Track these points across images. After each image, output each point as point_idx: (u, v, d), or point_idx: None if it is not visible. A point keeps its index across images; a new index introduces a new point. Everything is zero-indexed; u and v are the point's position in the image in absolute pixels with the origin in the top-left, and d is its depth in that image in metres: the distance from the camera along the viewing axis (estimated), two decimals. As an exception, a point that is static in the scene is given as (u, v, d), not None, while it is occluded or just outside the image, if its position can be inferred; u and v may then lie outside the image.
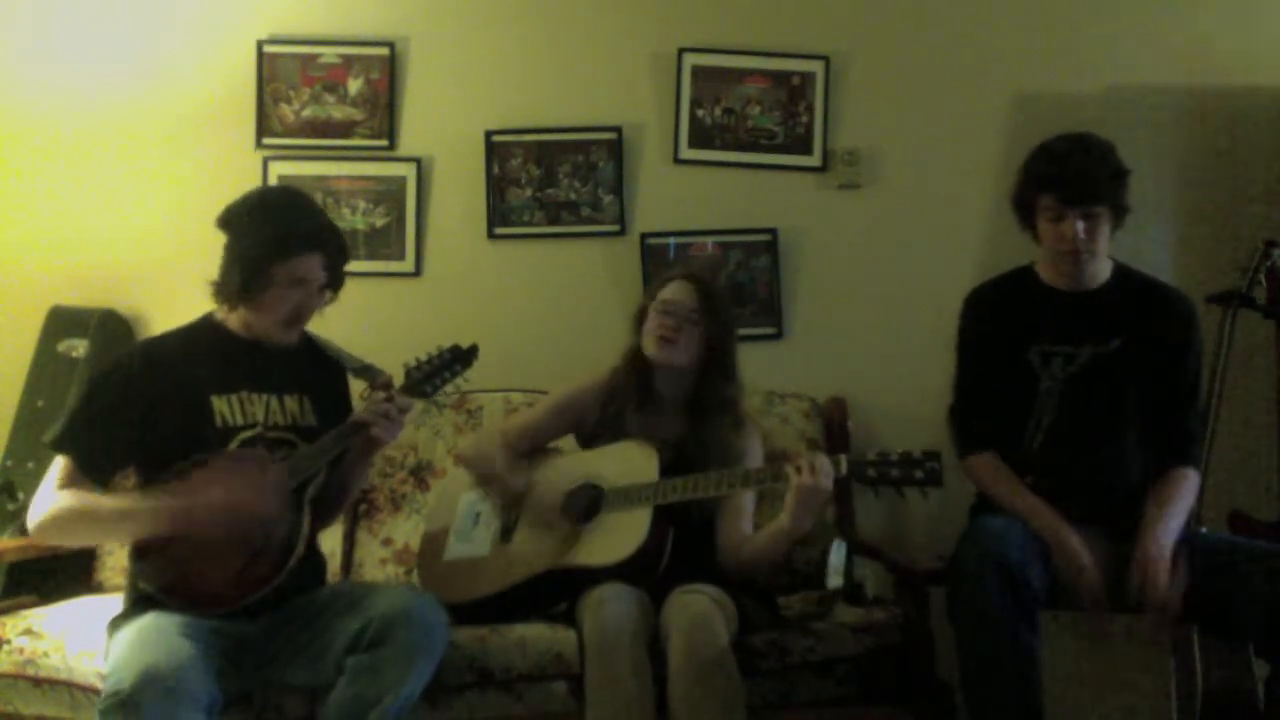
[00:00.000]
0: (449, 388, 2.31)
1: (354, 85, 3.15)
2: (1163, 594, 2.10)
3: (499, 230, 3.14)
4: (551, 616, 2.31)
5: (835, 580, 2.33)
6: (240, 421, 2.17)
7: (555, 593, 2.30)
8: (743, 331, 3.03)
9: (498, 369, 2.84)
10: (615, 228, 3.14)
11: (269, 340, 2.22)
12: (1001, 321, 2.36)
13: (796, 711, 2.24)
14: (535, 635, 2.22)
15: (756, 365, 2.97)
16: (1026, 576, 2.05)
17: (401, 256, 3.13)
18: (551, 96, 3.17)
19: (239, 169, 3.00)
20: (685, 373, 2.42)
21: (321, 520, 2.28)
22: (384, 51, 3.15)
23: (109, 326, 2.98)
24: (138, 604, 2.06)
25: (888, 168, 3.17)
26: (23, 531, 2.64)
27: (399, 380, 2.26)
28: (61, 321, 2.95)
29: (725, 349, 2.42)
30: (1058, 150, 2.27)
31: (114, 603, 2.21)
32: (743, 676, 2.07)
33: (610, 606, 2.10)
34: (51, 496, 2.05)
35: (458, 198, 3.15)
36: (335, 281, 2.24)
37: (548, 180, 3.15)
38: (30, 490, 2.69)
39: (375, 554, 2.77)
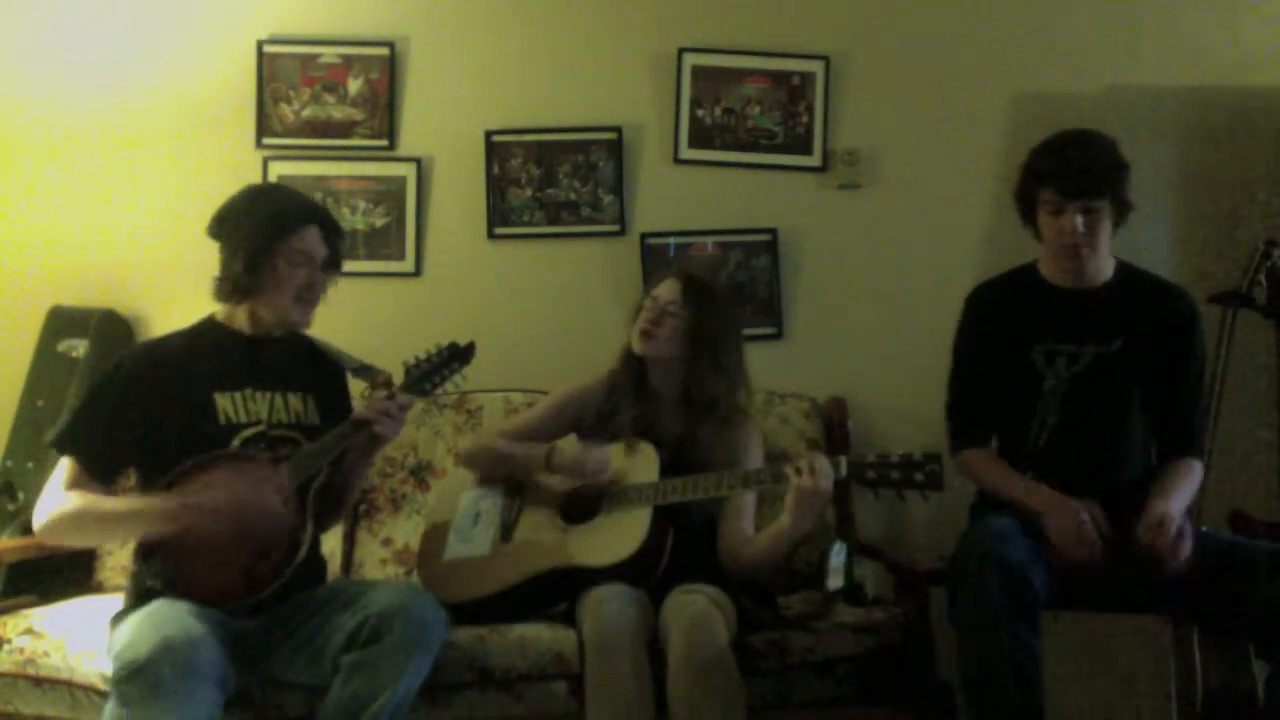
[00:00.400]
0: (448, 385, 2.32)
1: (354, 85, 3.15)
2: (1172, 547, 2.08)
3: (499, 230, 3.14)
4: (551, 616, 2.31)
5: (835, 581, 2.33)
6: (244, 419, 2.17)
7: (555, 593, 2.30)
8: (743, 331, 3.05)
9: (498, 369, 2.85)
10: (615, 228, 3.14)
11: (282, 326, 2.23)
12: (1004, 320, 2.36)
13: (796, 711, 2.24)
14: (535, 635, 2.22)
15: (756, 365, 2.95)
16: (1027, 576, 2.05)
17: (401, 256, 3.13)
18: (551, 96, 3.16)
19: (239, 169, 3.00)
20: (676, 367, 2.42)
21: (324, 520, 2.28)
22: (384, 51, 3.15)
23: (109, 326, 2.98)
24: (141, 599, 2.06)
25: (888, 168, 3.17)
26: (23, 531, 2.65)
27: (398, 379, 2.27)
28: (61, 321, 2.95)
29: (714, 341, 2.40)
30: (1058, 145, 2.28)
31: (114, 602, 2.20)
32: (743, 676, 2.07)
33: (610, 607, 2.10)
34: (57, 497, 2.06)
35: (458, 198, 3.15)
36: (335, 259, 2.26)
37: (548, 180, 3.15)
38: (30, 490, 2.70)
39: (375, 554, 2.78)
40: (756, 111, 3.17)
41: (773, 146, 3.17)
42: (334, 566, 2.59)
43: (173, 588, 2.02)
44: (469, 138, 3.14)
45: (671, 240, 3.14)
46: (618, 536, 2.24)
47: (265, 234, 2.16)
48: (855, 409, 2.99)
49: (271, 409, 2.21)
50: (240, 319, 2.25)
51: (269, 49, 3.14)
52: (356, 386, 2.36)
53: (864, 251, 3.16)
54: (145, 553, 2.07)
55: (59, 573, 2.65)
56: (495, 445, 2.47)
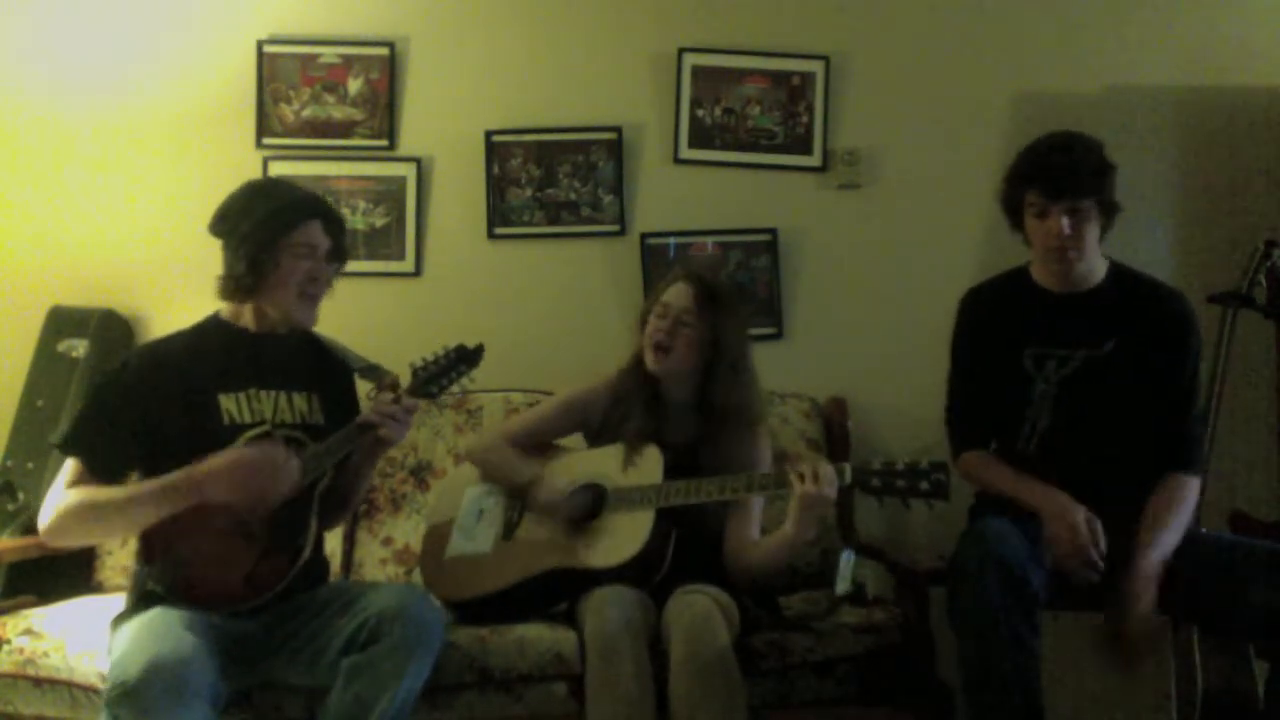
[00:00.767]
0: (455, 388, 2.30)
1: (354, 85, 3.15)
2: (1142, 614, 2.08)
3: (499, 230, 3.14)
4: (552, 616, 2.31)
5: (843, 586, 2.32)
6: (248, 419, 2.16)
7: (557, 592, 2.30)
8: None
9: (498, 369, 2.83)
10: (615, 228, 3.14)
11: (287, 322, 2.22)
12: (995, 323, 2.36)
13: (796, 711, 2.24)
14: (535, 635, 2.22)
15: (757, 365, 2.97)
16: (1027, 576, 2.04)
17: (401, 256, 3.13)
18: (551, 96, 3.17)
19: (239, 169, 2.99)
20: (690, 375, 2.40)
21: (328, 521, 2.28)
22: (384, 51, 3.15)
23: (109, 326, 2.98)
24: (141, 601, 2.06)
25: (888, 168, 3.17)
26: (23, 531, 2.65)
27: (404, 379, 2.26)
28: (61, 321, 2.95)
29: (731, 348, 2.37)
30: (1042, 148, 2.27)
31: (114, 602, 2.20)
32: (743, 676, 2.07)
33: (611, 608, 2.10)
34: (60, 496, 2.05)
35: (458, 198, 3.15)
36: (339, 251, 2.25)
37: (548, 180, 3.15)
38: (30, 490, 2.71)
39: (375, 554, 2.78)
40: (756, 111, 3.17)
41: (773, 146, 3.17)
42: (334, 566, 2.59)
43: (174, 591, 2.02)
44: (469, 138, 3.14)
45: (671, 240, 3.14)
46: (620, 538, 2.24)
47: (266, 231, 2.15)
48: (855, 409, 2.99)
49: (276, 409, 2.19)
50: (245, 317, 2.24)
51: (269, 49, 3.14)
52: (363, 387, 2.35)
53: (864, 251, 3.16)
54: (147, 555, 2.06)
55: (59, 573, 2.65)
56: (493, 455, 2.45)
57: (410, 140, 3.16)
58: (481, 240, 3.15)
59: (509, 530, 2.39)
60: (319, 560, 2.25)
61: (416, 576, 2.51)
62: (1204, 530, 2.40)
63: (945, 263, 3.08)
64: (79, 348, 2.90)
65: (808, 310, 3.16)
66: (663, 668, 2.07)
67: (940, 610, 2.22)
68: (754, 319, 3.10)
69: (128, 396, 2.12)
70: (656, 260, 3.11)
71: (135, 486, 2.07)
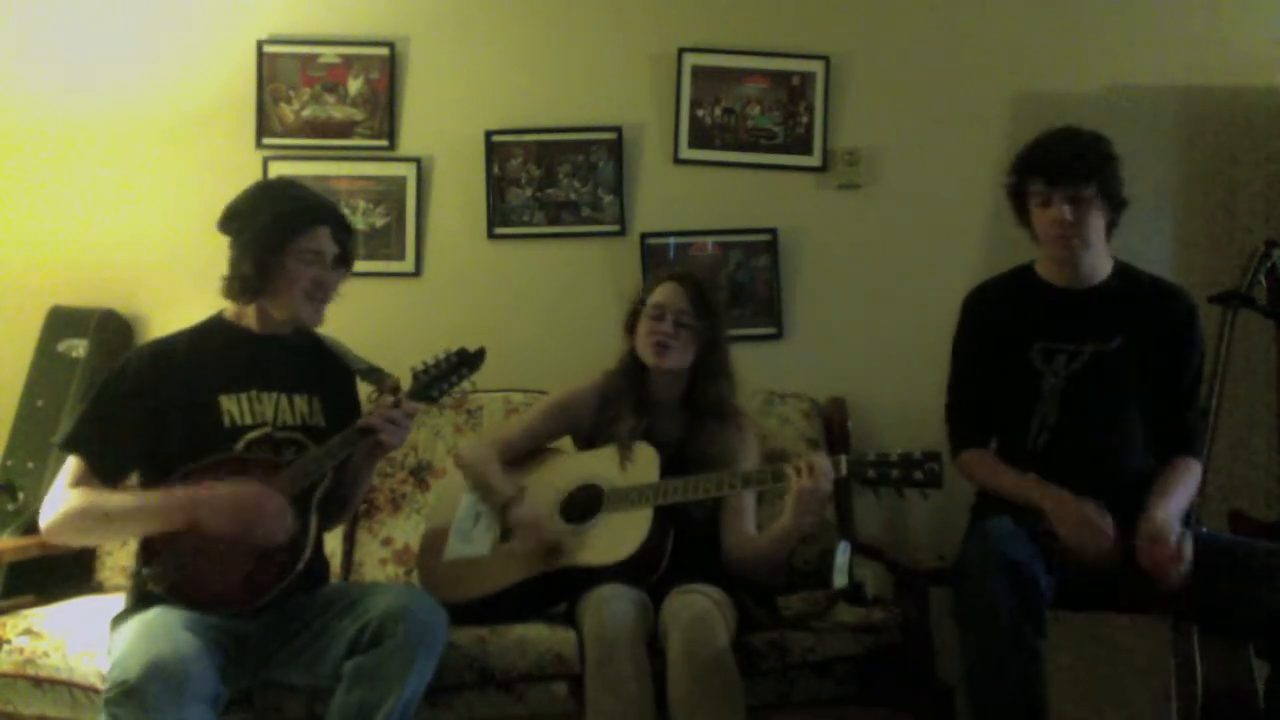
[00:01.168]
0: (456, 391, 2.30)
1: (354, 85, 3.15)
2: (1168, 565, 2.08)
3: (499, 230, 3.14)
4: (551, 617, 2.31)
5: (840, 580, 2.33)
6: (249, 421, 2.16)
7: (555, 593, 2.30)
8: (743, 331, 3.06)
9: (498, 369, 2.82)
10: (615, 228, 3.15)
11: (292, 325, 2.22)
12: (1002, 320, 2.37)
13: (796, 711, 2.24)
14: (535, 635, 2.22)
15: (756, 365, 2.97)
16: (1033, 576, 2.05)
17: (401, 256, 3.13)
18: (551, 96, 3.17)
19: (239, 169, 3.00)
20: (680, 374, 2.42)
21: (328, 523, 2.28)
22: (384, 51, 3.15)
23: (109, 326, 2.98)
24: (141, 601, 2.06)
25: (888, 168, 3.17)
26: (23, 531, 2.65)
27: (405, 383, 2.26)
28: (61, 321, 2.95)
29: (720, 348, 2.42)
30: (1044, 138, 2.32)
31: (114, 602, 2.20)
32: (742, 676, 2.07)
33: (610, 607, 2.10)
34: (63, 496, 2.05)
35: (458, 198, 3.15)
36: (346, 257, 2.25)
37: (548, 180, 3.15)
38: (30, 490, 2.71)
39: (375, 554, 2.77)
40: (756, 111, 3.17)
41: (773, 146, 3.17)
42: (334, 566, 2.59)
43: (174, 592, 2.02)
44: (469, 138, 3.14)
45: (671, 240, 3.14)
46: (618, 537, 2.24)
47: (274, 234, 2.15)
48: (855, 409, 2.99)
49: (277, 410, 2.19)
50: (249, 317, 2.24)
51: (269, 49, 3.14)
52: (364, 389, 2.35)
53: (864, 251, 3.16)
54: (147, 556, 2.06)
55: (59, 573, 2.64)
56: (478, 469, 2.44)
57: (410, 140, 3.16)
58: (481, 240, 3.15)
59: (507, 533, 2.38)
60: (319, 561, 2.24)
61: (415, 578, 2.51)
62: (1204, 530, 2.40)
63: (945, 263, 3.08)
64: (79, 348, 2.90)
65: (808, 310, 3.16)
66: (662, 667, 2.07)
67: (940, 610, 2.23)
68: (754, 319, 3.12)
69: (130, 396, 2.12)
70: (656, 260, 3.11)
71: (138, 498, 2.08)
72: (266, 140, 3.13)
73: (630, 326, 2.47)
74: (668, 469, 2.30)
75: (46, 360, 2.90)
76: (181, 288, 2.97)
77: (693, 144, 3.16)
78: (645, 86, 3.18)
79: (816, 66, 3.16)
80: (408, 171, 3.14)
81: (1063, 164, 2.24)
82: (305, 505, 2.11)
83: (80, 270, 3.07)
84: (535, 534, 2.29)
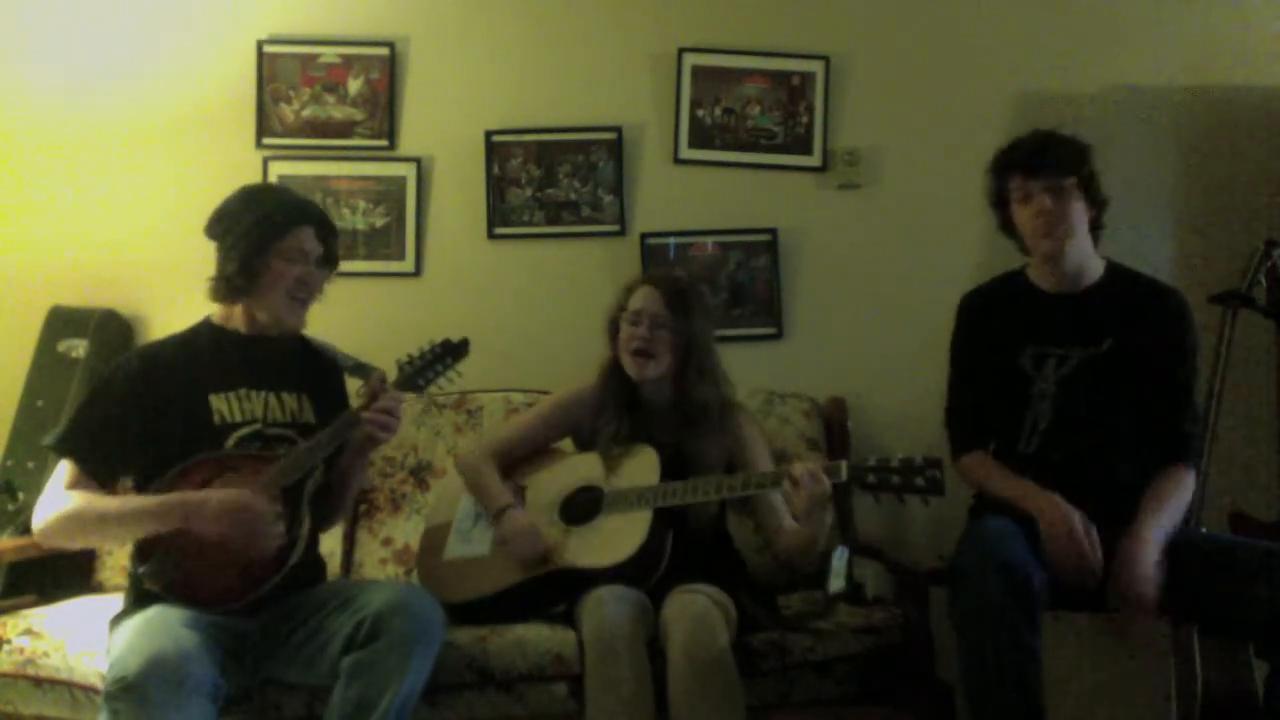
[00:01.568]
0: (442, 381, 2.32)
1: (354, 85, 3.15)
2: (1140, 587, 2.09)
3: (499, 230, 3.14)
4: (550, 617, 2.31)
5: (837, 584, 2.33)
6: (239, 419, 2.17)
7: (554, 593, 2.30)
8: (743, 331, 3.07)
9: (498, 369, 2.85)
10: (615, 228, 3.15)
11: (277, 325, 2.23)
12: (992, 325, 2.37)
13: (796, 711, 2.24)
14: (535, 635, 2.22)
15: (756, 365, 2.98)
16: (1029, 576, 2.04)
17: (401, 256, 3.13)
18: (551, 96, 3.17)
19: (239, 169, 3.00)
20: (667, 378, 2.41)
21: (323, 520, 2.28)
22: (384, 51, 3.15)
23: (109, 326, 2.98)
24: (140, 600, 2.06)
25: (888, 168, 3.17)
26: (23, 531, 2.65)
27: (392, 376, 2.27)
28: (61, 321, 2.95)
29: (701, 349, 2.39)
30: (1018, 139, 2.35)
31: (114, 602, 2.21)
32: (743, 676, 2.07)
33: (610, 607, 2.10)
34: (56, 499, 2.06)
35: (458, 198, 3.15)
36: (331, 257, 2.28)
37: (548, 180, 3.15)
38: (30, 490, 2.71)
39: (375, 554, 2.77)
40: (756, 111, 3.17)
41: (773, 146, 3.17)
42: (333, 566, 2.59)
43: (171, 590, 2.03)
44: (469, 138, 3.14)
45: (671, 240, 3.14)
46: (617, 538, 2.24)
47: (259, 234, 2.17)
48: (855, 409, 2.99)
49: (267, 408, 2.21)
50: (236, 319, 2.25)
51: (269, 49, 3.14)
52: (352, 385, 2.36)
53: (864, 251, 3.16)
54: (143, 554, 2.07)
55: (59, 573, 2.65)
56: (474, 476, 2.44)
57: (410, 140, 3.16)
58: (481, 240, 3.15)
59: (506, 534, 2.39)
60: (314, 559, 2.25)
61: (415, 578, 2.51)
62: (1204, 530, 2.41)
63: (945, 263, 3.08)
64: (79, 348, 2.90)
65: (808, 310, 3.16)
66: (662, 667, 2.07)
67: (940, 610, 2.23)
68: (754, 319, 3.12)
69: (122, 399, 2.13)
70: (657, 260, 3.11)
71: (129, 502, 2.09)
72: (266, 140, 3.13)
73: (612, 333, 2.46)
74: (668, 470, 2.30)
75: (46, 360, 2.90)
76: (181, 288, 2.96)
77: (693, 144, 3.16)
78: (645, 86, 3.18)
79: (816, 66, 3.16)
80: (408, 171, 3.14)
81: (1039, 156, 2.27)
82: (297, 499, 2.12)
83: (80, 270, 3.07)
84: (529, 542, 2.29)
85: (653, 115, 3.17)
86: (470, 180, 3.14)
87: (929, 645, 2.29)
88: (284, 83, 3.14)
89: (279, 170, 3.10)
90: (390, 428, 2.19)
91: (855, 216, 3.16)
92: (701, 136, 3.17)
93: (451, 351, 2.32)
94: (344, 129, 3.14)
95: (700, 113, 3.16)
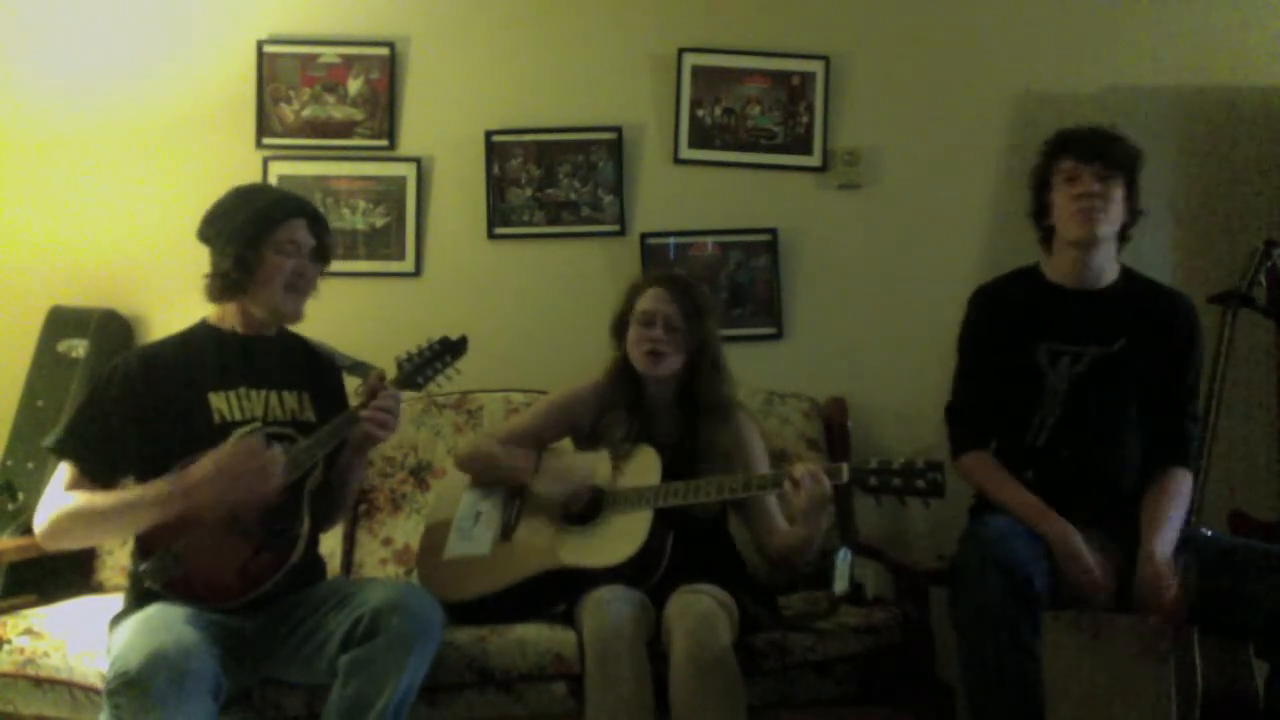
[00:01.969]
0: (440, 379, 2.33)
1: (354, 85, 3.15)
2: (1169, 603, 2.10)
3: (499, 230, 3.14)
4: (550, 617, 2.31)
5: (841, 585, 2.33)
6: (239, 417, 2.17)
7: (554, 593, 2.30)
8: (743, 331, 3.07)
9: (498, 369, 2.85)
10: (615, 228, 3.15)
11: (275, 318, 2.24)
12: (1008, 319, 2.37)
13: (796, 711, 2.24)
14: (535, 635, 2.22)
15: (756, 365, 2.98)
16: (1029, 576, 2.05)
17: (401, 256, 3.13)
18: (551, 96, 3.17)
19: (239, 169, 3.00)
20: (674, 376, 2.42)
21: (323, 520, 2.28)
22: (384, 51, 3.15)
23: (109, 326, 2.98)
24: (140, 599, 2.06)
25: (888, 168, 3.17)
26: (23, 531, 2.65)
27: (391, 374, 2.28)
28: (61, 321, 2.95)
29: (710, 346, 2.41)
30: (1082, 126, 2.36)
31: (114, 602, 2.21)
32: (744, 676, 2.07)
33: (610, 607, 2.10)
34: (55, 500, 2.06)
35: (458, 198, 3.15)
36: (323, 251, 2.28)
37: (548, 180, 3.15)
38: (30, 490, 2.71)
39: (375, 554, 2.77)
40: (756, 111, 3.17)
41: (773, 146, 3.17)
42: (334, 566, 2.59)
43: (171, 588, 2.02)
44: (469, 138, 3.14)
45: (671, 240, 3.14)
46: (618, 538, 2.24)
47: (251, 228, 2.18)
48: (855, 409, 2.99)
49: (267, 407, 2.21)
50: (232, 318, 2.25)
51: (269, 49, 3.14)
52: (351, 384, 2.36)
53: (864, 251, 3.16)
54: (142, 553, 2.06)
55: (59, 573, 2.65)
56: (486, 450, 2.46)
57: (410, 140, 3.16)
58: (481, 240, 3.15)
59: (506, 532, 2.39)
60: (314, 558, 2.25)
61: (416, 579, 2.51)
62: (1204, 530, 2.41)
63: (945, 263, 3.08)
64: (79, 348, 2.90)
65: (808, 310, 3.16)
66: (662, 667, 2.07)
67: (940, 610, 2.23)
68: (754, 319, 3.12)
69: (120, 399, 2.13)
70: (657, 260, 3.11)
71: (127, 494, 2.08)
72: (266, 140, 3.13)
73: (618, 333, 2.46)
74: (669, 469, 2.30)
75: (46, 360, 2.90)
76: (181, 288, 2.95)
77: (693, 144, 3.16)
78: (645, 86, 3.18)
79: (816, 66, 3.16)
80: (408, 171, 3.14)
81: (1098, 145, 2.29)
82: (297, 497, 2.12)
83: (80, 270, 3.07)
84: (546, 525, 2.31)
85: (653, 115, 3.17)
86: (470, 180, 3.14)
87: (929, 645, 2.29)
88: (284, 83, 3.14)
89: (279, 170, 3.10)
90: (389, 425, 2.19)
91: (855, 216, 3.16)
92: (701, 136, 3.17)
93: (450, 349, 2.33)
94: (344, 129, 3.14)
95: (700, 113, 3.16)
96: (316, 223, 2.27)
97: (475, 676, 2.17)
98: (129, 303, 3.06)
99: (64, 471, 2.10)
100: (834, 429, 2.94)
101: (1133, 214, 2.34)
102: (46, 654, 2.23)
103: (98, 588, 2.73)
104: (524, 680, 2.19)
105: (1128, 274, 2.38)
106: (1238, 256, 2.71)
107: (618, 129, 3.15)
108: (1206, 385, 2.56)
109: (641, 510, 2.25)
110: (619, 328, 2.46)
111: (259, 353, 2.24)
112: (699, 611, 2.09)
